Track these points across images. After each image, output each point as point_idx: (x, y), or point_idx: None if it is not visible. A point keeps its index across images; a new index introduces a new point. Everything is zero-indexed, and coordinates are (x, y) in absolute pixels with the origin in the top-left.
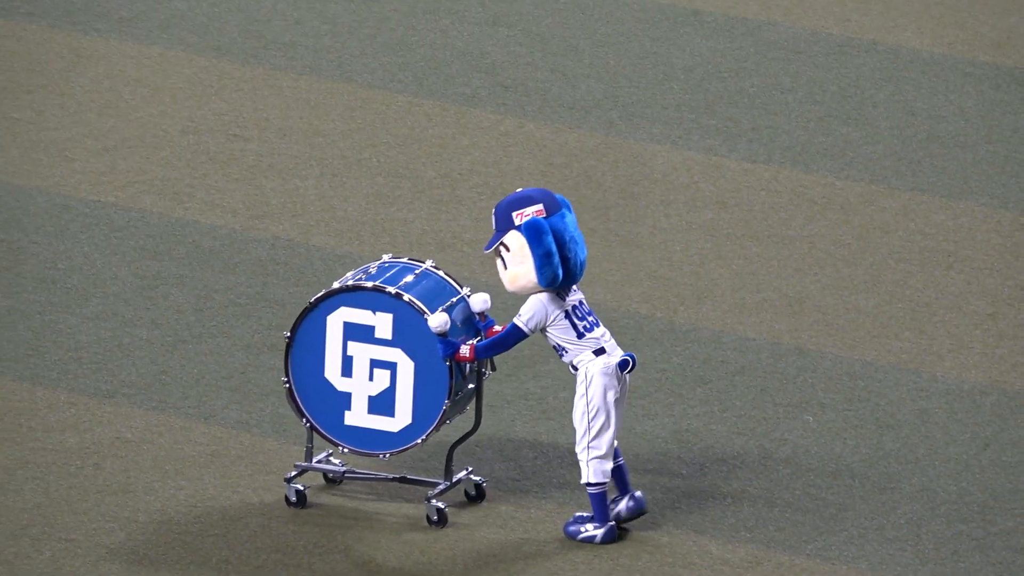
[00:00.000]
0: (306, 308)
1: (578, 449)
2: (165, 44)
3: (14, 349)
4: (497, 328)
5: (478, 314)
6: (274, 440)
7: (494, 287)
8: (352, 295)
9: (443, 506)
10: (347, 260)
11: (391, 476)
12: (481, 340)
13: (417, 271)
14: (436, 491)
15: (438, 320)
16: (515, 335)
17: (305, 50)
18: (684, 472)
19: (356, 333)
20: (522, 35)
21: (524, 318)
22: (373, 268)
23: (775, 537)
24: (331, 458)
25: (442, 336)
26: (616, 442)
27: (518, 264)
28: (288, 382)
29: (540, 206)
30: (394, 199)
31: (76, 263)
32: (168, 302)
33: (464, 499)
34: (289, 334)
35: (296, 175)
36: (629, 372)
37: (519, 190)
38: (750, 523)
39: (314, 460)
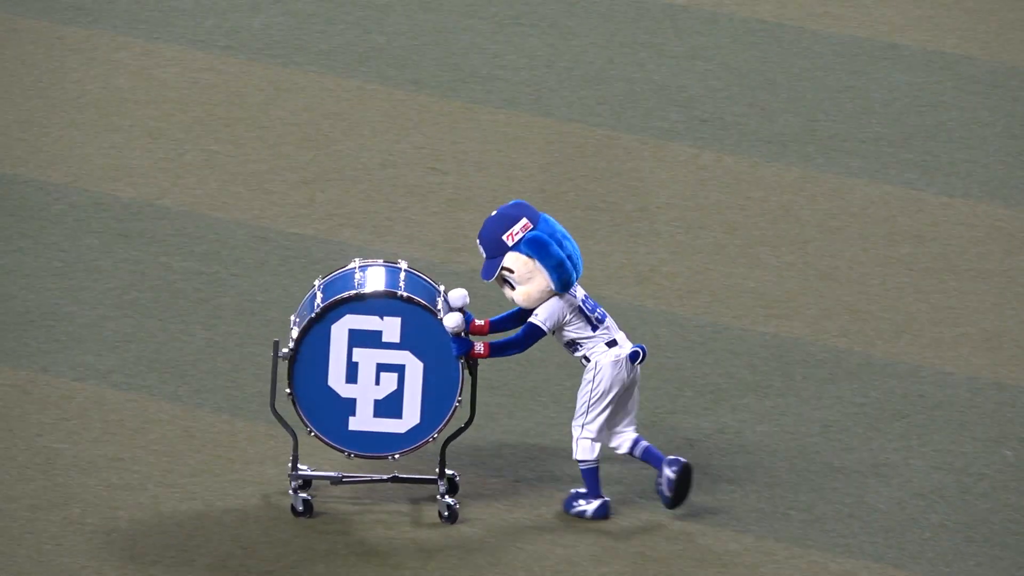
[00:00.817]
0: (311, 320)
1: (573, 426)
2: (364, 77)
3: (212, 380)
4: (478, 322)
5: (458, 310)
6: (474, 470)
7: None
8: (358, 303)
9: (454, 502)
10: None
11: (384, 477)
12: (496, 339)
13: (402, 273)
14: (443, 488)
15: (454, 320)
16: (534, 335)
17: (503, 83)
18: (882, 507)
19: (362, 339)
20: (720, 69)
21: (541, 318)
22: (359, 274)
23: (974, 572)
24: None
25: (456, 335)
26: (634, 426)
27: (527, 282)
28: (291, 394)
29: (525, 220)
30: (591, 232)
31: (274, 296)
32: None
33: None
34: (292, 347)
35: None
36: (640, 363)
37: (492, 213)
38: (948, 557)
39: (301, 470)
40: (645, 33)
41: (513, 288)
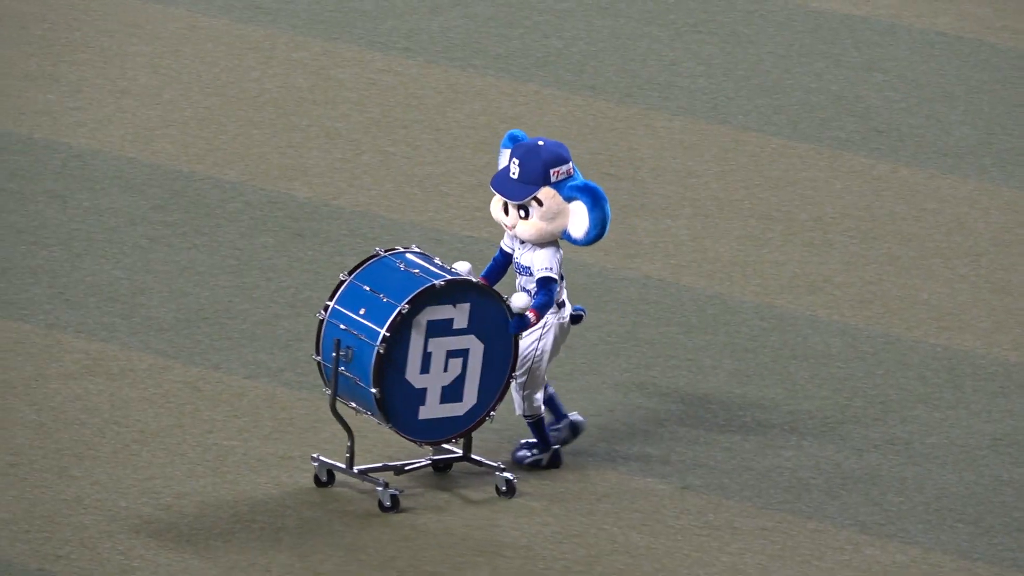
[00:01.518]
0: (398, 315)
1: (516, 383)
2: (541, 82)
3: None
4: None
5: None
6: (641, 479)
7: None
8: (437, 293)
9: (512, 477)
10: (717, 301)
11: (421, 462)
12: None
13: (433, 258)
14: (497, 464)
15: (522, 300)
16: (554, 286)
17: (680, 91)
18: None
19: (438, 329)
20: (897, 80)
21: (552, 268)
22: (416, 262)
23: None
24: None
25: (520, 314)
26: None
27: (550, 220)
28: (379, 393)
29: (571, 164)
30: (765, 241)
31: None
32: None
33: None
34: (385, 345)
35: (668, 215)
36: (577, 324)
37: (540, 142)
38: None
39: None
40: (823, 43)
41: (525, 218)
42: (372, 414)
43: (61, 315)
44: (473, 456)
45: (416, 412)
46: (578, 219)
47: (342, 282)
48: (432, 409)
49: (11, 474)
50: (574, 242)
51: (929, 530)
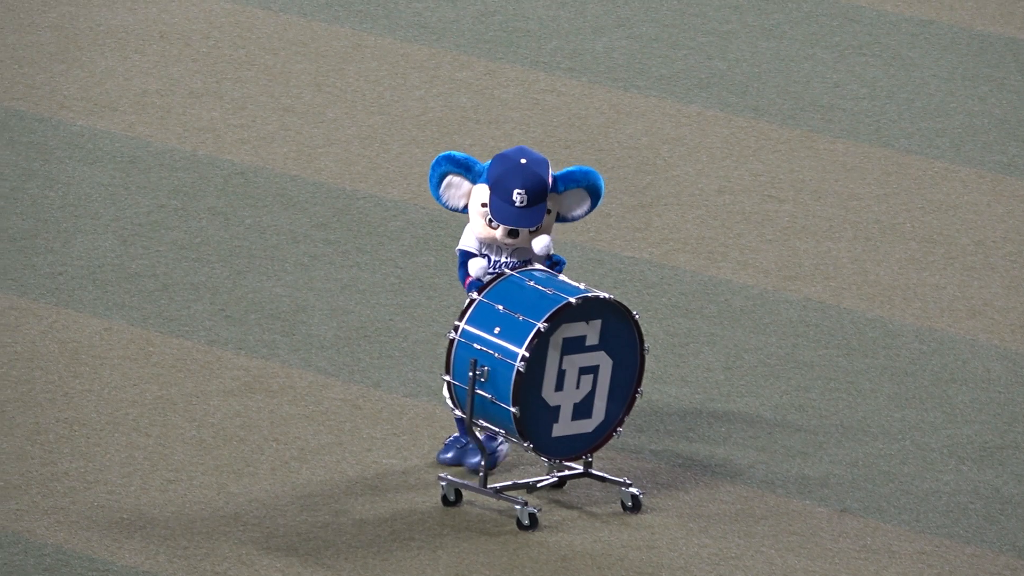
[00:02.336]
0: (537, 334)
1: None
2: (704, 103)
3: None
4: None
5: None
6: (799, 501)
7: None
8: (572, 311)
9: (639, 492)
10: (877, 324)
11: (573, 472)
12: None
13: (556, 274)
14: (624, 480)
15: (544, 241)
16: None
17: (843, 113)
18: None
19: (572, 346)
20: None
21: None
22: (545, 278)
23: None
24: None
25: None
26: None
27: (551, 220)
28: (518, 412)
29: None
30: (927, 264)
31: None
32: (698, 360)
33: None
34: (525, 364)
35: (830, 237)
36: None
37: (523, 159)
38: None
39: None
40: (987, 66)
41: (535, 232)
42: (508, 433)
43: (222, 332)
44: (594, 471)
45: (550, 430)
46: (574, 202)
47: (472, 301)
48: (565, 426)
49: (170, 491)
50: (573, 219)
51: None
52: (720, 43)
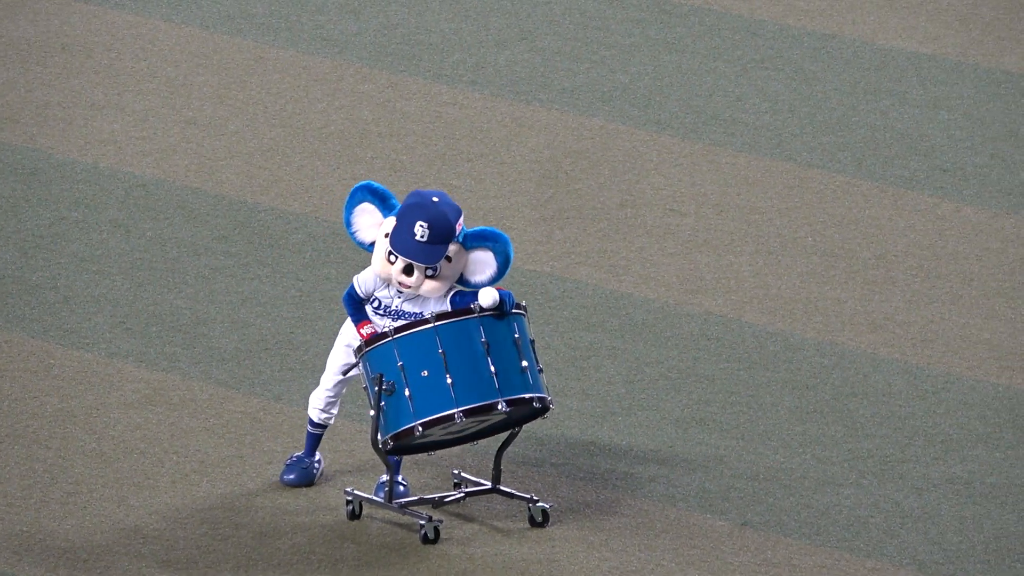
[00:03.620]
0: (447, 418)
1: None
2: (606, 117)
3: None
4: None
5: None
6: (700, 515)
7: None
8: (494, 414)
9: (548, 506)
10: (779, 337)
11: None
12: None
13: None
14: (531, 496)
15: (490, 294)
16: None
17: (745, 127)
18: None
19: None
20: (962, 119)
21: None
22: (500, 349)
23: None
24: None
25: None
26: None
27: (449, 271)
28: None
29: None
30: (828, 279)
31: None
32: (600, 373)
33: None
34: (421, 428)
35: (731, 251)
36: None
37: (435, 198)
38: None
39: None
40: (889, 80)
41: (432, 276)
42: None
43: (122, 344)
44: (502, 487)
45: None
46: (479, 266)
47: (425, 321)
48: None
49: (70, 503)
50: (473, 287)
51: (988, 570)
52: (622, 56)
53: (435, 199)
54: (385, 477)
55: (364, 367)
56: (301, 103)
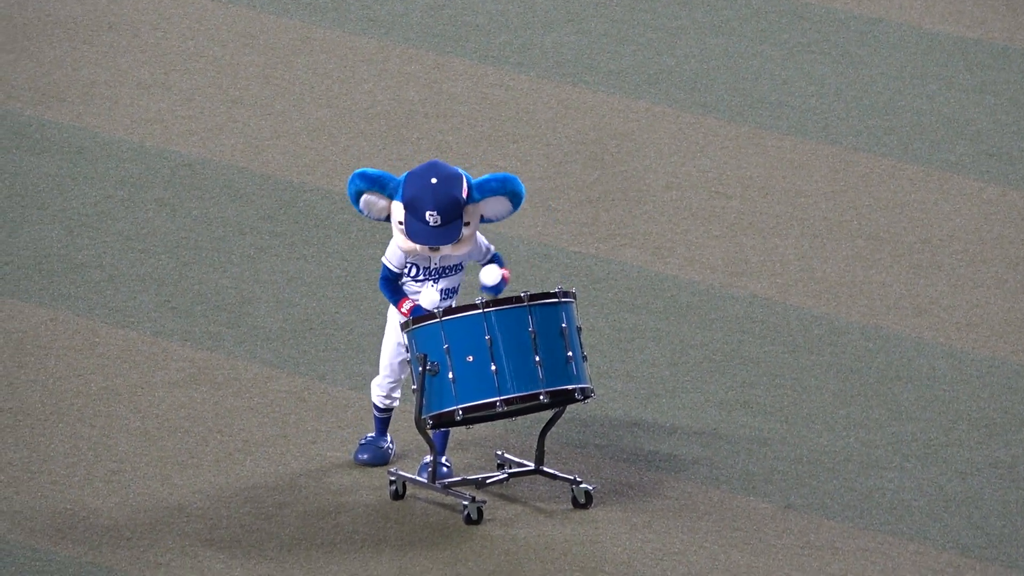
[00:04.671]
0: (488, 407)
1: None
2: (652, 99)
3: None
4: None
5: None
6: (743, 497)
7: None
8: (536, 404)
9: (592, 487)
10: (823, 321)
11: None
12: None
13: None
14: (574, 477)
15: (493, 272)
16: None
17: (791, 110)
18: None
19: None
20: (1008, 103)
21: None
22: (545, 338)
23: None
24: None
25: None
26: None
27: (471, 229)
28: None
29: (459, 171)
30: (873, 262)
31: None
32: (644, 355)
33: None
34: (461, 414)
35: (776, 234)
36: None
37: (433, 179)
38: None
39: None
40: (935, 65)
41: (458, 243)
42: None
43: (167, 323)
44: (545, 468)
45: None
46: (495, 209)
47: (474, 306)
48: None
49: (114, 481)
50: (496, 220)
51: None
52: (669, 39)
53: (433, 180)
54: (429, 458)
55: (410, 342)
56: (347, 83)
